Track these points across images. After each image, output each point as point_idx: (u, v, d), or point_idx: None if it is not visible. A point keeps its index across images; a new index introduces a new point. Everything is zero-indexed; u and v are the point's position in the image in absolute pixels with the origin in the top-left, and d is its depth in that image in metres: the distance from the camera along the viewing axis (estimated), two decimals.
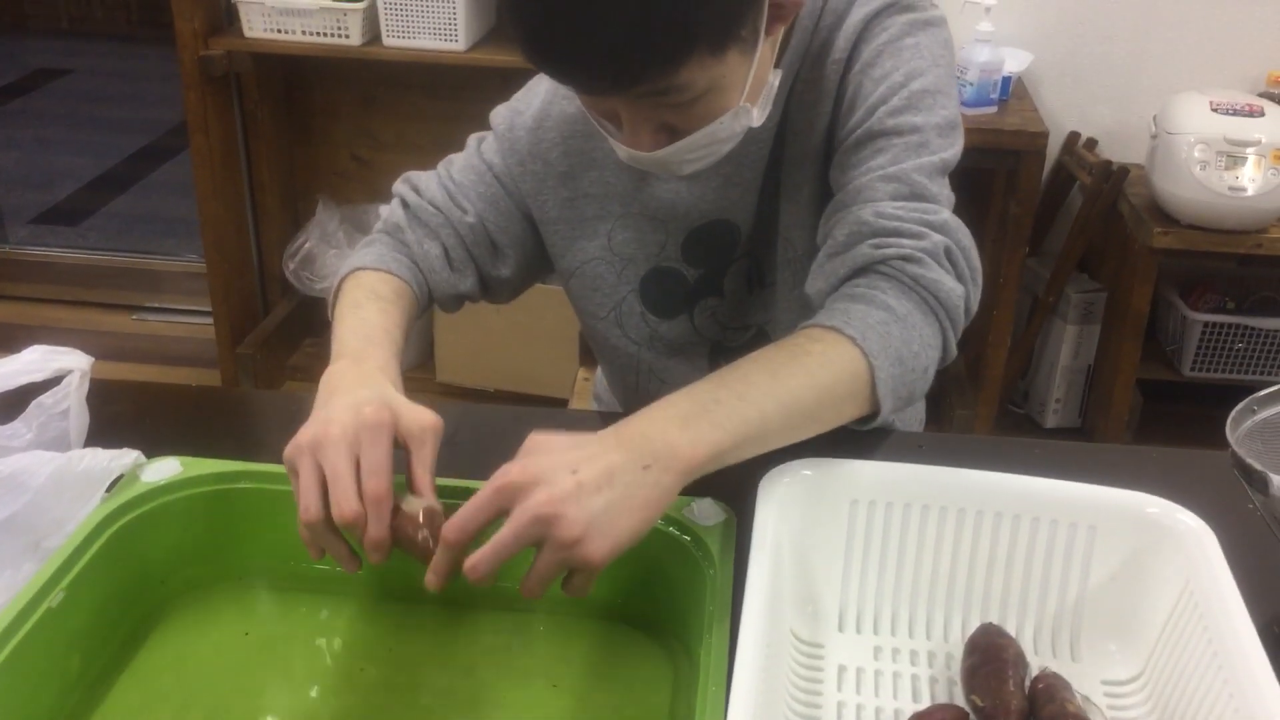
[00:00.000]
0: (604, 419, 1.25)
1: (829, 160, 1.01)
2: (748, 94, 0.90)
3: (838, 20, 1.00)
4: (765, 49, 0.91)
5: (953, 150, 0.97)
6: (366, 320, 0.94)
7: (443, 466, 0.84)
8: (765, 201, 1.07)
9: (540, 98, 1.10)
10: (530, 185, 1.10)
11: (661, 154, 0.91)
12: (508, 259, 1.12)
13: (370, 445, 0.75)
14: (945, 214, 0.95)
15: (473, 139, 1.14)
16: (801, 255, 1.06)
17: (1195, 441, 0.95)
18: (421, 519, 0.76)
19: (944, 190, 0.97)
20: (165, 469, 0.83)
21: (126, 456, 0.84)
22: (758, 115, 0.93)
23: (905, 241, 0.91)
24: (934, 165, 0.95)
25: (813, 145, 1.02)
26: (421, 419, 0.79)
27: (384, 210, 1.12)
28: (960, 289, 0.93)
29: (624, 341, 1.16)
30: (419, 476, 0.78)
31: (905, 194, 0.94)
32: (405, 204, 1.10)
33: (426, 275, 1.07)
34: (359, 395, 0.79)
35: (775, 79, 0.94)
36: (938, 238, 0.92)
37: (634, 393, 1.20)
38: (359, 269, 1.03)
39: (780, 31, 0.93)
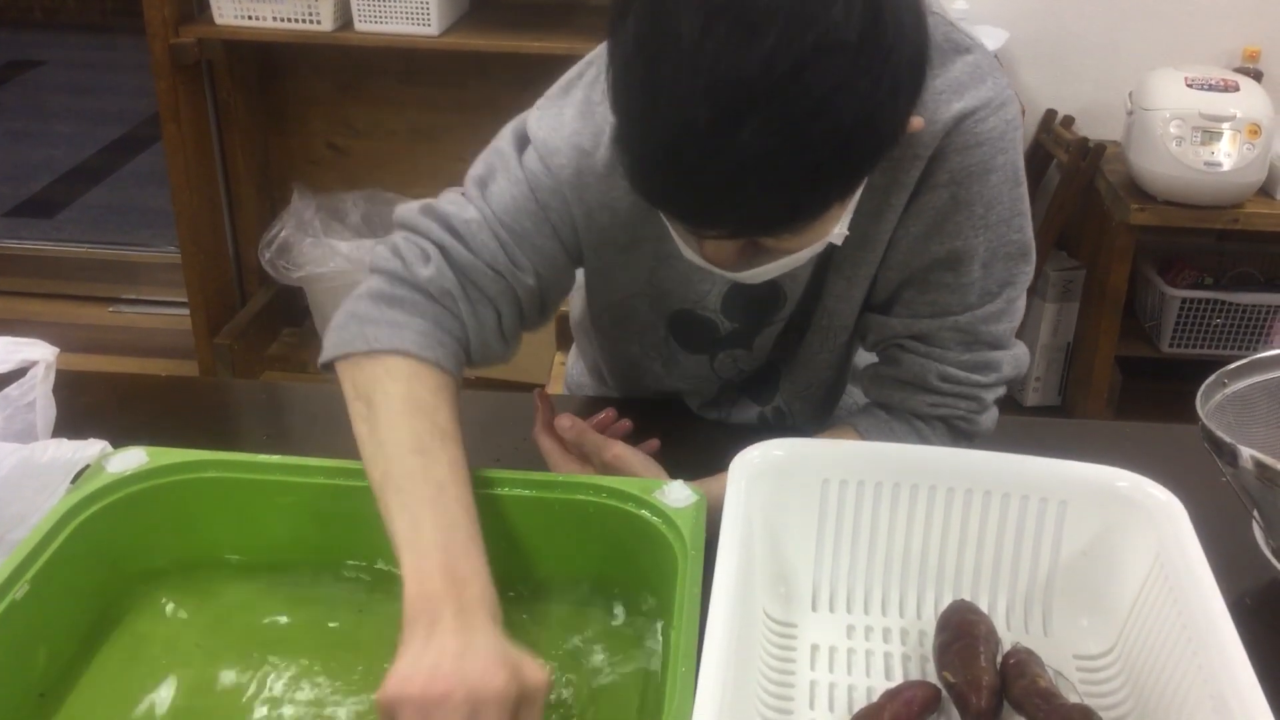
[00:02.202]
0: (579, 404, 1.25)
1: (890, 246, 0.96)
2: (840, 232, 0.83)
3: (920, 99, 0.86)
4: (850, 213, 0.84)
5: (1026, 275, 0.97)
6: (447, 504, 0.77)
7: None
8: (818, 271, 1.00)
9: (606, 134, 0.91)
10: (593, 237, 0.96)
11: (741, 275, 0.83)
12: (552, 311, 1.00)
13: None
14: (1005, 365, 0.98)
15: (509, 145, 0.95)
16: (840, 325, 1.02)
17: (1175, 417, 0.95)
18: None
19: (1014, 321, 0.98)
20: (131, 459, 0.83)
21: (92, 447, 0.84)
22: (838, 233, 0.83)
23: (961, 405, 0.98)
24: (1008, 301, 0.96)
25: (878, 231, 0.94)
26: (537, 679, 0.70)
27: (400, 241, 0.93)
28: (995, 417, 1.01)
29: (640, 354, 1.11)
30: None
31: (972, 343, 0.96)
32: (449, 259, 0.91)
33: (473, 351, 0.92)
34: (472, 648, 0.69)
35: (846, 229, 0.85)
36: (991, 395, 0.99)
37: (634, 381, 1.17)
38: (401, 353, 0.85)
39: None
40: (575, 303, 1.22)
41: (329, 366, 0.89)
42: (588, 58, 0.96)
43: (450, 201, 0.94)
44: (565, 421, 0.94)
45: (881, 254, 0.96)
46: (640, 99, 0.70)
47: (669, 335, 1.07)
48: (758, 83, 0.66)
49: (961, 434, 0.99)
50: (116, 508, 0.81)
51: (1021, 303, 0.98)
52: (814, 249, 0.83)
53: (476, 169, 0.96)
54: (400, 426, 0.81)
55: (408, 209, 0.96)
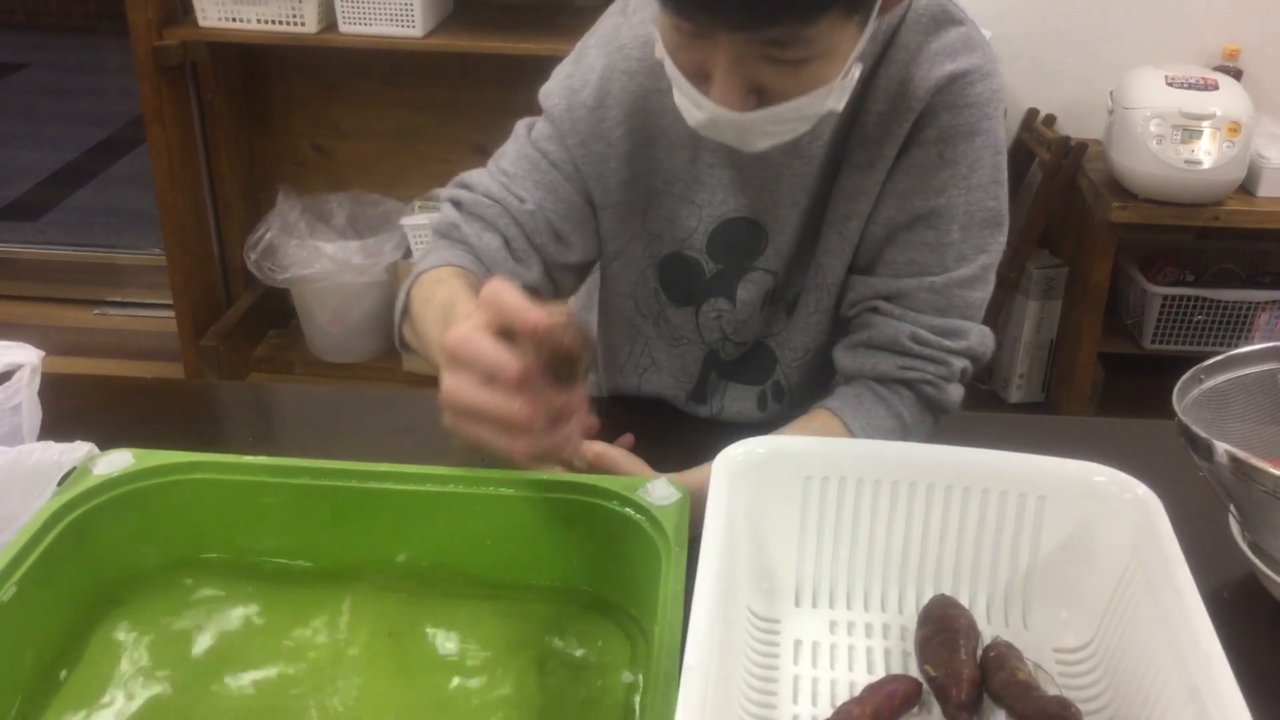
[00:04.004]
0: None
1: (878, 201, 1.03)
2: (844, 73, 0.88)
3: (912, 57, 0.99)
4: (866, 31, 0.88)
5: (999, 245, 1.04)
6: (441, 302, 0.93)
7: (405, 455, 0.85)
8: (809, 223, 1.06)
9: (597, 73, 1.04)
10: (593, 167, 1.06)
11: (746, 118, 0.87)
12: (573, 245, 1.08)
13: (486, 358, 0.73)
14: (973, 335, 1.04)
15: (521, 125, 1.09)
16: (832, 282, 1.08)
17: (1157, 412, 0.97)
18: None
19: (986, 292, 1.05)
20: (118, 461, 0.83)
21: (78, 450, 0.84)
22: (836, 92, 0.89)
23: (930, 368, 1.02)
24: (983, 267, 1.03)
25: (869, 183, 1.02)
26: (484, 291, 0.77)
27: (434, 219, 1.09)
28: (962, 392, 1.06)
29: (633, 313, 1.16)
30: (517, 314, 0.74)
31: (945, 308, 1.02)
32: (457, 203, 1.06)
33: (490, 268, 1.02)
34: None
35: (856, 71, 0.90)
36: (959, 364, 1.03)
37: (624, 362, 1.19)
38: (420, 274, 1.01)
39: (887, 17, 0.94)
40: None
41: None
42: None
43: (470, 171, 1.09)
44: None
45: (871, 206, 1.03)
46: None
47: (659, 288, 1.13)
48: None
49: (929, 404, 1.04)
50: (103, 510, 0.81)
51: (993, 275, 1.05)
52: (815, 103, 0.87)
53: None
54: (418, 296, 0.99)
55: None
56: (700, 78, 0.87)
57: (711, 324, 1.13)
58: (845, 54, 0.86)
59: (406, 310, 1.02)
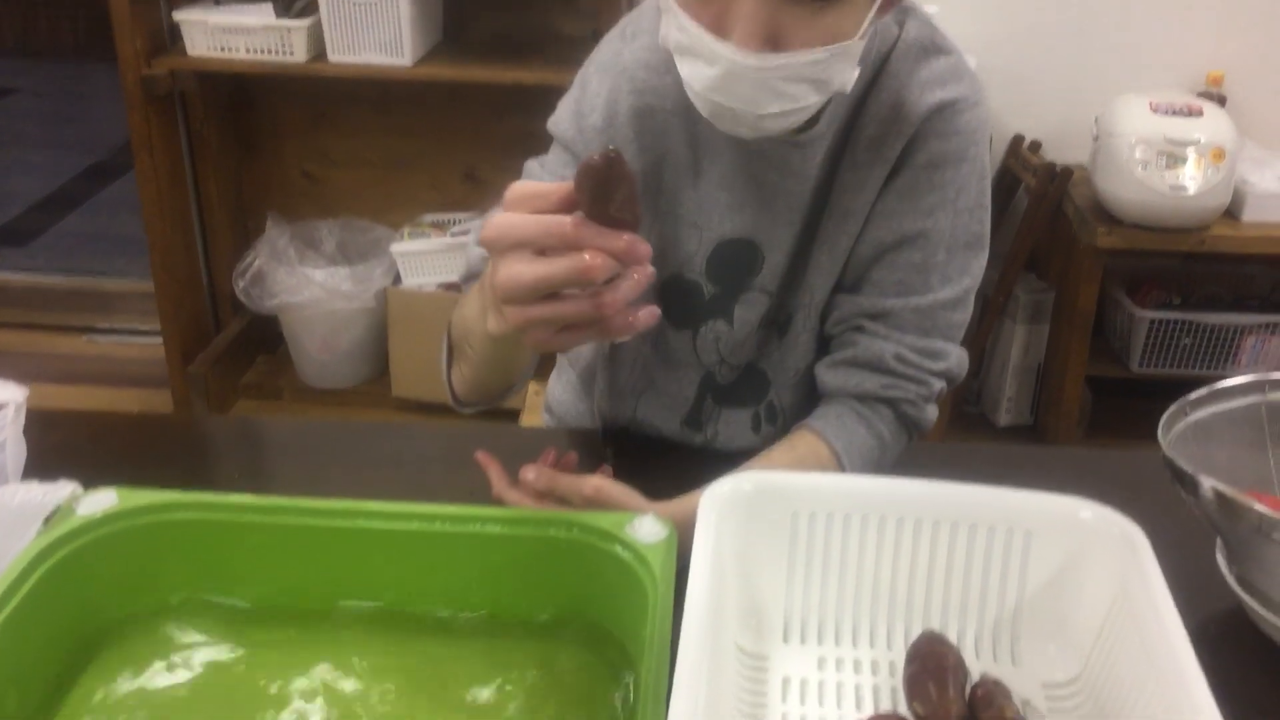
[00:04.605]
0: (557, 436, 1.26)
1: (868, 221, 1.06)
2: (860, 33, 0.89)
3: (902, 84, 1.02)
4: (870, 24, 0.90)
5: (980, 268, 1.08)
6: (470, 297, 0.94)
7: (393, 488, 0.85)
8: (802, 242, 1.08)
9: (603, 97, 1.06)
10: None
11: (764, 66, 0.87)
12: None
13: (531, 226, 0.71)
14: (952, 358, 1.07)
15: (532, 163, 1.10)
16: (818, 301, 1.10)
17: (1146, 435, 0.97)
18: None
19: (966, 315, 1.08)
20: (102, 501, 0.82)
21: (62, 489, 0.84)
22: (842, 77, 0.91)
23: (911, 388, 1.05)
24: (965, 290, 1.06)
25: (859, 204, 1.05)
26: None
27: (462, 272, 1.10)
28: (937, 412, 1.09)
29: (635, 337, 1.15)
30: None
31: (929, 329, 1.05)
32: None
33: None
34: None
35: (855, 73, 0.93)
36: (938, 385, 1.06)
37: (623, 386, 1.19)
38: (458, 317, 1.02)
39: (883, 18, 0.96)
40: None
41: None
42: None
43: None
44: (530, 474, 0.94)
45: (860, 227, 1.06)
46: None
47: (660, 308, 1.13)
48: None
49: (907, 423, 1.07)
50: (87, 551, 0.81)
51: (973, 299, 1.08)
52: (828, 65, 0.89)
53: None
54: (455, 327, 1.02)
55: None
56: (718, 32, 0.88)
57: (709, 347, 1.14)
58: (858, 17, 0.88)
59: (451, 350, 1.02)
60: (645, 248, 0.71)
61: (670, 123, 1.05)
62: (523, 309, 0.73)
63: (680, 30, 0.90)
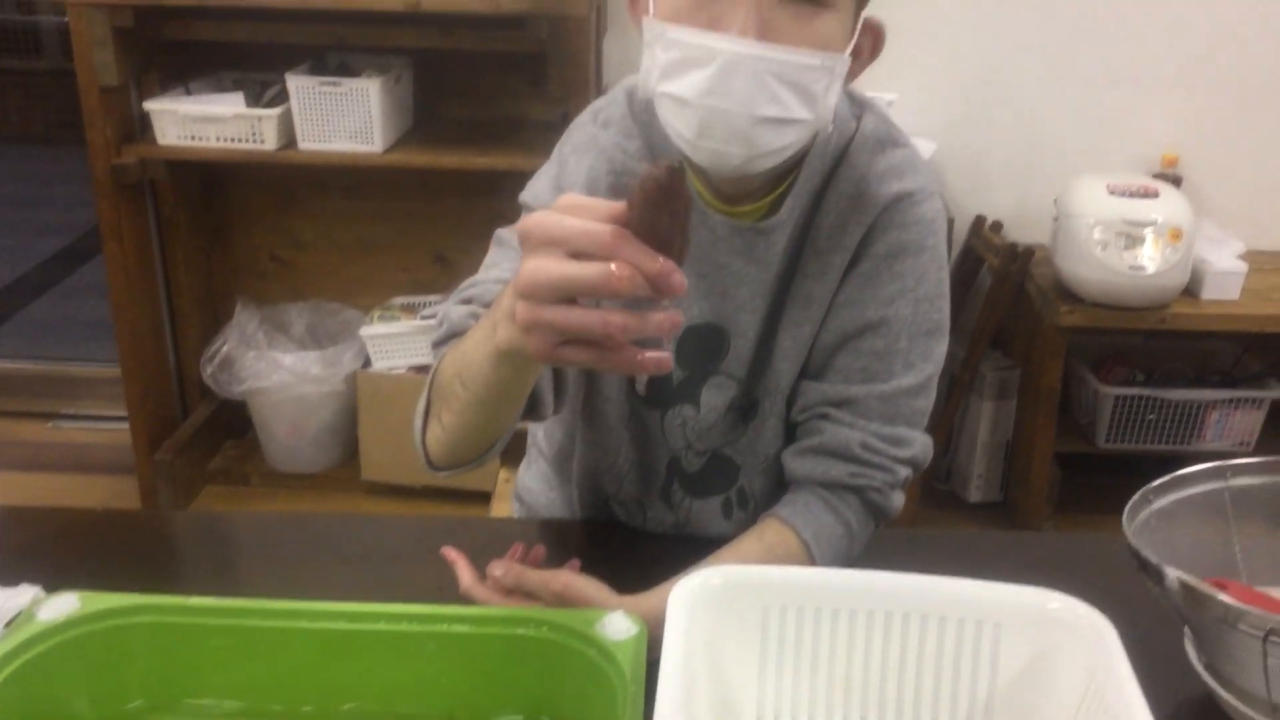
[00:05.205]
0: (527, 527, 1.25)
1: (830, 309, 1.08)
2: (849, 43, 0.94)
3: (860, 175, 1.05)
4: (856, 29, 0.95)
5: (941, 354, 1.09)
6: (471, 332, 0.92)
7: (361, 586, 0.84)
8: (766, 330, 1.10)
9: (583, 175, 1.06)
10: None
11: (761, 58, 0.89)
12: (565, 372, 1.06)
13: (569, 225, 0.70)
14: (917, 445, 1.07)
15: (503, 231, 1.09)
16: (784, 387, 1.11)
17: (1114, 511, 0.98)
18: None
19: (929, 402, 1.09)
20: (63, 605, 0.81)
21: (24, 595, 0.83)
22: (825, 108, 0.94)
23: (878, 476, 1.06)
24: (928, 377, 1.08)
25: (821, 292, 1.07)
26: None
27: (437, 335, 1.05)
28: (903, 499, 1.09)
29: (614, 418, 1.15)
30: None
31: (892, 416, 1.06)
32: (467, 300, 1.05)
33: None
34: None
35: (835, 103, 0.96)
36: (903, 472, 1.07)
37: (598, 465, 1.19)
38: (434, 370, 0.98)
39: (858, 72, 1.00)
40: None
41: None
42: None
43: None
44: (498, 570, 0.94)
45: (823, 314, 1.08)
46: None
47: (630, 391, 1.14)
48: None
49: (874, 510, 1.07)
50: (48, 656, 0.79)
51: (934, 385, 1.09)
52: (816, 73, 0.92)
53: None
54: (442, 374, 0.97)
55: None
56: (719, 20, 0.90)
57: (676, 430, 1.14)
58: (846, 28, 0.94)
59: (429, 405, 0.98)
60: (680, 279, 0.68)
61: None
62: (535, 308, 0.71)
63: (668, 48, 0.91)
